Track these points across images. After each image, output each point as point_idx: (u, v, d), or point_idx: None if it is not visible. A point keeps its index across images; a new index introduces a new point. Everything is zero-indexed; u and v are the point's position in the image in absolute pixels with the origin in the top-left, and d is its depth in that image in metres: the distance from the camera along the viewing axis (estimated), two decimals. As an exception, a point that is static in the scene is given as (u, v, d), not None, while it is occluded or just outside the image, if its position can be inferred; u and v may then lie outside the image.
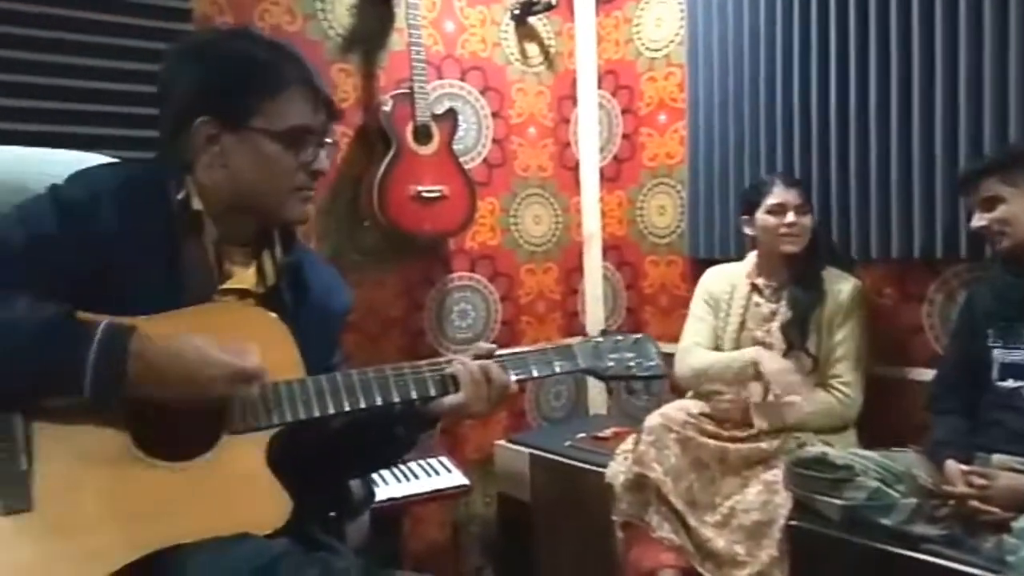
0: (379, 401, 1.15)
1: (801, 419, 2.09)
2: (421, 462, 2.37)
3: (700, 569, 1.93)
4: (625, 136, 3.02)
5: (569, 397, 3.16)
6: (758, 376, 2.12)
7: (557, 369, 1.25)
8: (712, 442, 2.06)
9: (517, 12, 2.90)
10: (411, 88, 2.44)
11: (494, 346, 1.26)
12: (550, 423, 3.07)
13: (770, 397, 2.10)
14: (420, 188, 2.47)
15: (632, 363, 1.30)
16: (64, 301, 1.03)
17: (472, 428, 2.82)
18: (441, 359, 1.23)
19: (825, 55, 2.31)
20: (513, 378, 1.23)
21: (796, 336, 2.15)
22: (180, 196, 1.12)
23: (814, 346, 2.14)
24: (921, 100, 2.11)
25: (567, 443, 2.63)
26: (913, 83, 2.13)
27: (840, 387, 2.11)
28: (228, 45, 1.17)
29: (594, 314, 3.16)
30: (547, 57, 3.04)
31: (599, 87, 3.09)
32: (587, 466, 2.44)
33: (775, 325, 2.20)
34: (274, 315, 1.15)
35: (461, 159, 2.62)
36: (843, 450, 1.89)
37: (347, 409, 1.13)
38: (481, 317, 2.90)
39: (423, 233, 2.54)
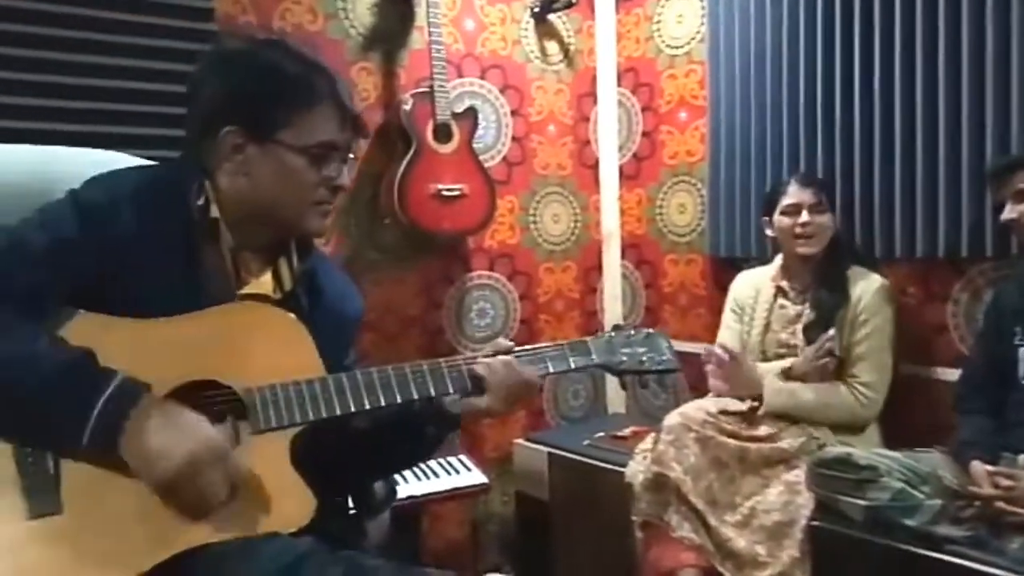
0: (399, 399, 1.15)
1: (817, 411, 2.07)
2: (440, 460, 2.38)
3: (720, 569, 1.92)
4: (645, 134, 3.01)
5: (587, 396, 3.16)
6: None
7: (572, 364, 1.26)
8: (732, 441, 2.04)
9: (537, 10, 2.90)
10: (431, 87, 2.45)
11: (511, 343, 1.26)
12: (568, 422, 3.06)
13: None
14: (440, 186, 2.47)
15: (644, 357, 1.31)
16: (87, 306, 1.04)
17: (491, 427, 2.82)
18: (459, 357, 1.23)
19: (849, 51, 2.28)
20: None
21: (817, 333, 2.13)
22: (200, 202, 1.13)
23: (837, 347, 2.12)
24: (947, 96, 2.09)
25: (585, 442, 2.63)
26: (939, 78, 2.10)
27: (859, 387, 2.08)
28: (262, 55, 1.17)
29: (613, 313, 3.15)
30: (567, 55, 3.03)
31: (619, 85, 3.08)
32: (606, 465, 2.44)
33: (800, 327, 2.18)
34: (292, 315, 1.16)
35: (481, 157, 2.62)
36: (867, 450, 1.87)
37: (367, 407, 1.13)
38: (500, 316, 2.90)
39: (442, 231, 2.55)
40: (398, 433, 1.28)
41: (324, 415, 1.11)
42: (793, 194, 2.18)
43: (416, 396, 1.17)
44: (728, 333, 2.34)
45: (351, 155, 1.21)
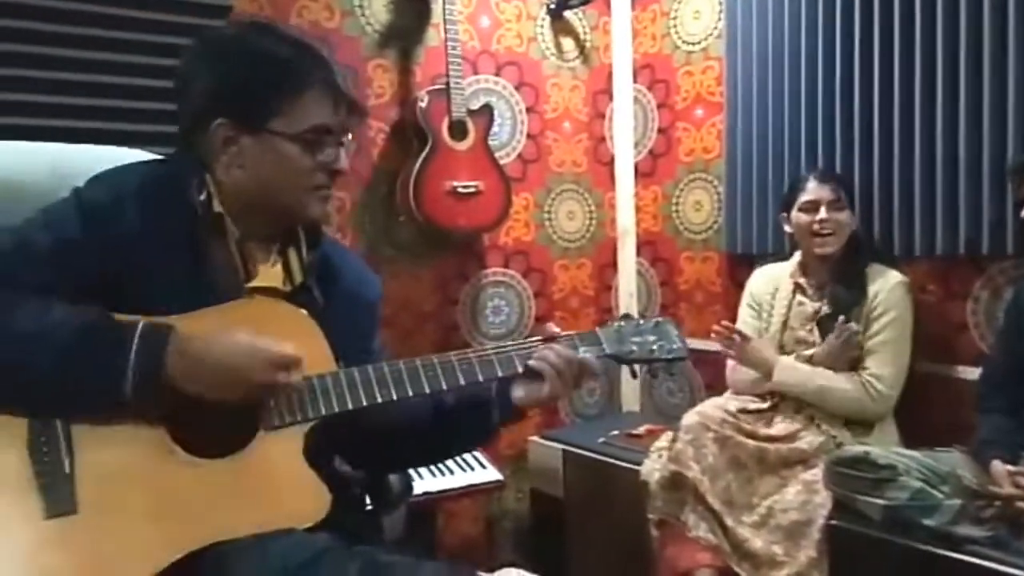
0: (410, 392, 1.15)
1: (825, 395, 2.06)
2: (456, 457, 2.38)
3: (737, 569, 1.91)
4: (661, 131, 2.99)
5: (602, 394, 3.15)
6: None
7: (583, 354, 1.24)
8: (751, 442, 2.03)
9: (553, 6, 2.89)
10: (447, 84, 2.45)
11: (558, 330, 1.26)
12: (583, 420, 3.06)
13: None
14: (455, 183, 2.47)
15: (655, 346, 1.29)
16: (92, 303, 1.04)
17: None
18: (470, 350, 1.22)
19: (868, 45, 2.26)
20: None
21: (833, 328, 2.11)
22: (202, 197, 1.12)
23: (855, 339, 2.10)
24: (968, 91, 2.06)
25: (600, 440, 2.62)
26: (960, 74, 2.07)
27: (871, 380, 2.06)
28: (246, 43, 1.15)
29: (628, 310, 3.14)
30: (582, 51, 3.02)
31: (635, 81, 3.07)
32: (620, 463, 2.43)
33: (816, 324, 2.17)
34: (302, 311, 1.16)
35: (496, 154, 2.62)
36: (885, 450, 1.85)
37: (380, 401, 1.13)
38: (515, 313, 2.90)
39: (458, 228, 2.55)
40: (463, 419, 1.28)
41: (336, 410, 1.11)
42: (811, 191, 2.16)
43: (428, 391, 1.16)
44: (745, 329, 2.32)
45: (348, 136, 1.19)
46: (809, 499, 1.89)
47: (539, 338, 1.24)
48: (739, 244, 2.68)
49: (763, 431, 2.08)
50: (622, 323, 1.30)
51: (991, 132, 2.03)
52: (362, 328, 1.29)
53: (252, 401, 1.06)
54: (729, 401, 2.19)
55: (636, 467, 2.20)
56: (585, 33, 3.02)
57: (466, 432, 1.31)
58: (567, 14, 2.95)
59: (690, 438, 2.01)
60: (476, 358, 1.19)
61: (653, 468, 2.11)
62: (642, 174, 3.09)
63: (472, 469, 2.35)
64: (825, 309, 2.16)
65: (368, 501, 1.36)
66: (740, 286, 2.45)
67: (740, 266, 2.68)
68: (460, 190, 2.48)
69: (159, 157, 1.26)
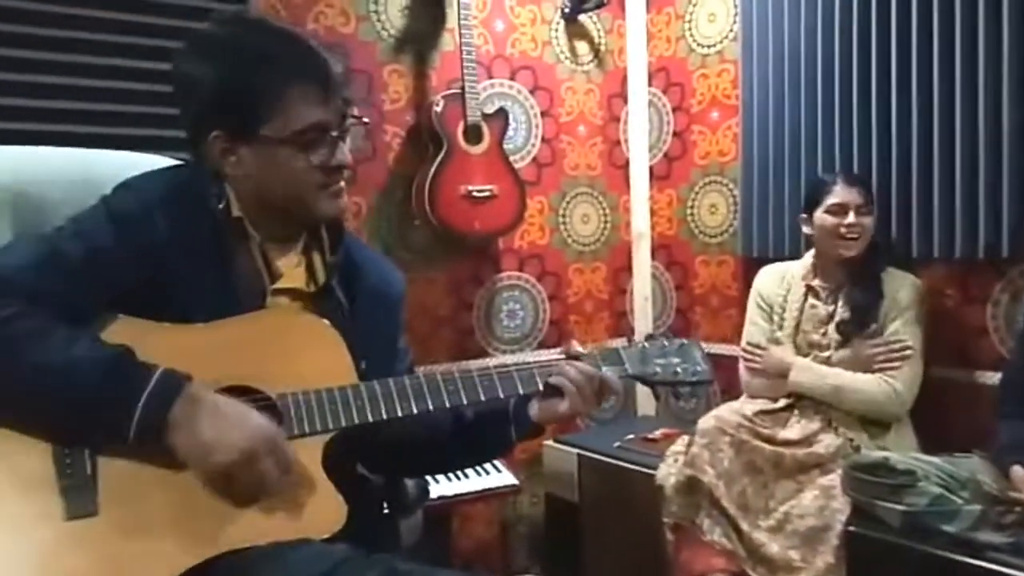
0: (431, 406, 1.15)
1: (841, 394, 2.05)
2: (472, 467, 2.37)
3: (752, 574, 1.90)
4: (676, 134, 2.99)
5: (617, 398, 3.14)
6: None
7: (605, 373, 1.23)
8: (767, 446, 2.02)
9: (567, 10, 2.89)
10: (462, 88, 2.46)
11: (581, 348, 1.26)
12: (598, 424, 3.05)
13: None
14: (470, 187, 2.48)
15: (679, 368, 1.28)
16: (124, 312, 1.05)
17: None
18: (489, 367, 1.22)
19: (885, 46, 2.25)
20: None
21: (853, 332, 2.10)
22: (220, 205, 1.13)
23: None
24: (987, 93, 2.05)
25: (615, 444, 2.61)
26: (979, 74, 2.06)
27: (888, 379, 2.04)
28: (232, 48, 1.12)
29: (642, 314, 3.14)
30: (597, 55, 3.02)
31: (650, 84, 3.06)
32: (636, 467, 2.42)
33: (832, 328, 2.16)
34: (325, 321, 1.15)
35: (511, 158, 2.63)
36: (904, 455, 1.84)
37: (400, 414, 1.13)
38: (529, 316, 2.90)
39: (473, 232, 2.55)
40: (482, 433, 1.28)
41: (356, 422, 1.10)
42: (839, 193, 2.14)
43: (448, 405, 1.16)
44: (755, 330, 2.31)
45: (347, 127, 1.15)
46: (827, 504, 1.88)
47: (560, 356, 1.24)
48: (755, 248, 2.66)
49: (780, 435, 2.07)
50: (646, 344, 1.29)
51: (1011, 134, 2.01)
52: (386, 327, 1.29)
53: (228, 476, 1.01)
54: (745, 405, 2.18)
55: (652, 471, 2.19)
56: (600, 37, 3.02)
57: (484, 445, 1.32)
58: (582, 18, 2.95)
59: (706, 442, 2.00)
60: (497, 374, 1.19)
61: (668, 472, 2.10)
62: (657, 177, 3.08)
63: (487, 473, 2.35)
64: (843, 313, 2.15)
65: (385, 506, 1.37)
66: (757, 290, 2.44)
67: (756, 270, 2.66)
68: (475, 194, 2.49)
69: (179, 163, 1.27)
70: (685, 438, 2.14)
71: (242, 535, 1.02)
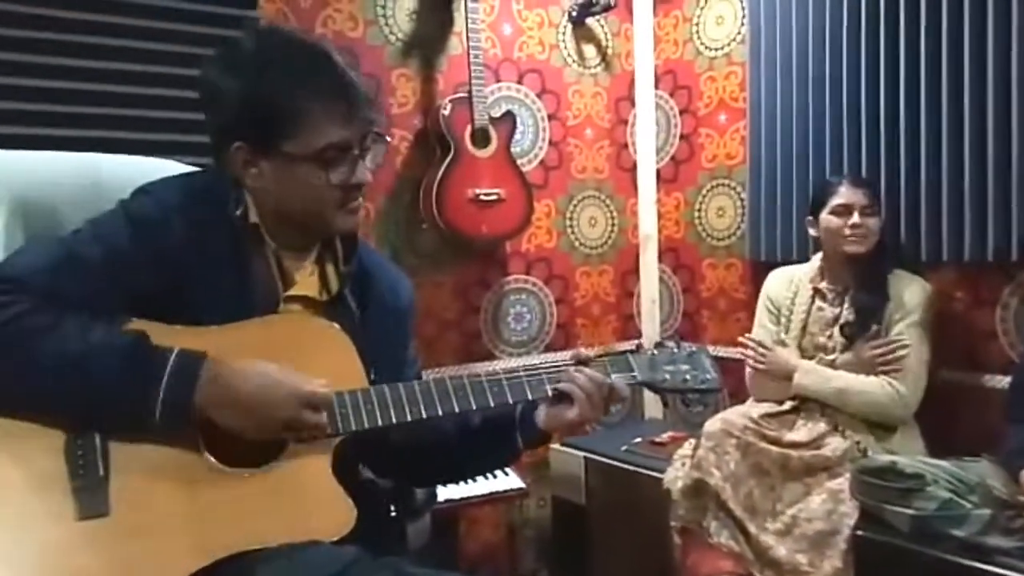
0: (440, 412, 1.15)
1: (845, 397, 2.04)
2: (480, 476, 2.37)
3: (760, 577, 1.90)
4: (683, 137, 2.99)
5: (624, 403, 3.13)
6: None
7: (614, 380, 1.24)
8: (773, 448, 2.01)
9: (575, 14, 2.89)
10: (469, 91, 2.46)
11: (589, 353, 1.26)
12: (605, 427, 3.04)
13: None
14: (478, 191, 2.48)
15: (688, 376, 1.28)
16: (139, 315, 1.06)
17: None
18: (520, 369, 1.22)
19: (894, 49, 2.24)
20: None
21: (856, 334, 2.10)
22: (239, 211, 1.14)
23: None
24: (996, 94, 2.04)
25: (623, 447, 2.61)
26: (988, 76, 2.05)
27: (892, 381, 2.03)
28: (259, 60, 1.12)
29: (650, 317, 3.13)
30: (604, 58, 3.02)
31: (657, 87, 3.07)
32: (643, 471, 2.42)
33: (837, 330, 2.15)
34: (336, 326, 1.17)
35: (518, 161, 2.63)
36: (912, 459, 1.83)
37: (410, 419, 1.14)
38: (536, 320, 2.90)
39: (480, 236, 2.55)
40: (488, 440, 1.29)
41: (366, 427, 1.11)
42: (844, 194, 2.14)
43: (457, 411, 1.16)
44: (763, 332, 2.31)
45: (369, 145, 1.16)
46: (835, 508, 1.87)
47: (569, 361, 1.23)
48: (763, 251, 2.66)
49: (787, 437, 2.06)
50: (655, 351, 1.30)
51: (1020, 135, 2.01)
52: (396, 336, 1.30)
53: (276, 435, 1.07)
54: (751, 408, 2.17)
55: (659, 475, 2.19)
56: (607, 40, 3.03)
57: (490, 453, 1.32)
58: (589, 21, 2.95)
59: (712, 445, 2.00)
60: (507, 380, 1.19)
61: (676, 475, 2.10)
62: (664, 180, 3.08)
63: (494, 476, 2.35)
64: (848, 315, 2.15)
65: (392, 509, 1.37)
66: (764, 293, 2.43)
67: (763, 273, 2.65)
68: (482, 197, 2.49)
69: (197, 169, 1.28)
70: (692, 441, 2.15)
71: (252, 537, 1.03)
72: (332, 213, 1.15)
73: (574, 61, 2.95)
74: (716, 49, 2.85)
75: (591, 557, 2.62)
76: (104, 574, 0.98)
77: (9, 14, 1.91)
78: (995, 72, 2.04)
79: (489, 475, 2.35)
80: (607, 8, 2.87)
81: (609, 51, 3.03)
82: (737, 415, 2.10)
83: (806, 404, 2.14)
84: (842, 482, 1.91)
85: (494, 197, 2.51)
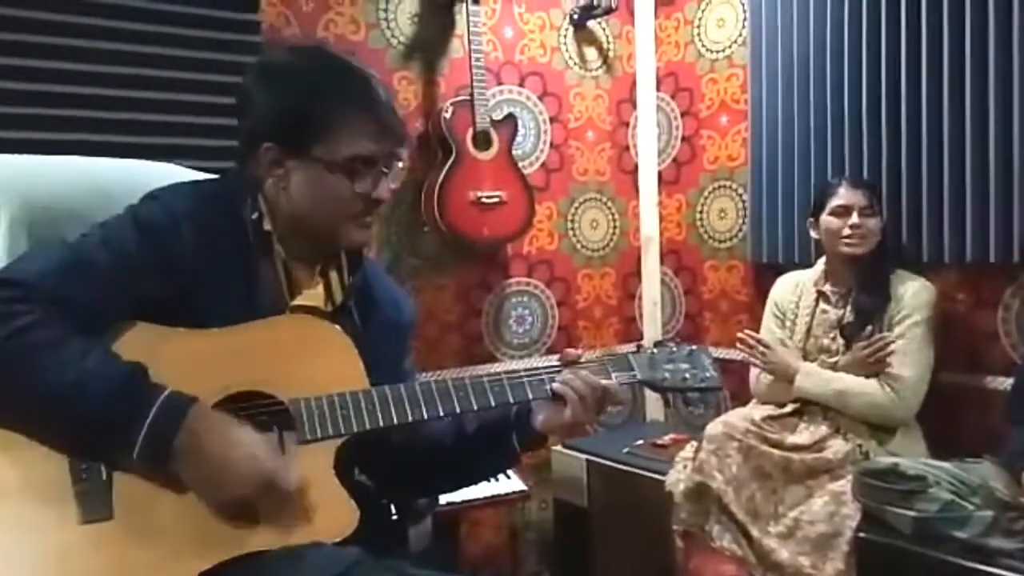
0: (441, 412, 1.16)
1: (846, 399, 2.05)
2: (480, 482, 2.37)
3: (762, 580, 1.90)
4: (685, 139, 2.99)
5: (626, 403, 3.13)
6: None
7: (614, 379, 1.25)
8: (775, 451, 2.01)
9: (576, 16, 2.90)
10: (471, 94, 2.46)
11: (586, 354, 1.27)
12: (607, 429, 3.04)
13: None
14: (479, 193, 2.49)
15: (687, 374, 1.29)
16: (145, 319, 1.07)
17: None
18: (501, 371, 1.23)
19: (895, 49, 2.24)
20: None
21: (856, 335, 2.10)
22: (254, 216, 1.15)
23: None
24: (997, 95, 2.04)
25: (625, 450, 2.61)
26: (989, 77, 2.05)
27: (892, 382, 2.03)
28: (300, 69, 1.18)
29: (652, 319, 3.13)
30: (606, 61, 3.03)
31: (658, 89, 3.07)
32: (645, 473, 2.42)
33: (839, 331, 2.15)
34: (338, 328, 1.17)
35: (520, 164, 2.63)
36: (914, 460, 1.83)
37: (411, 420, 1.14)
38: (538, 322, 2.90)
39: (482, 238, 2.56)
40: (484, 445, 1.29)
41: (368, 427, 1.12)
42: (843, 196, 2.14)
43: (459, 411, 1.17)
44: (768, 337, 2.31)
45: (397, 164, 1.20)
46: (837, 510, 1.87)
47: (567, 361, 1.24)
48: (764, 253, 2.66)
49: (789, 440, 2.06)
50: (655, 350, 1.31)
51: (1021, 137, 2.00)
52: (395, 350, 1.31)
53: (224, 506, 1.03)
54: (754, 410, 2.17)
55: (661, 477, 2.19)
56: (608, 42, 3.03)
57: (487, 456, 1.32)
58: (590, 24, 2.95)
59: (714, 448, 2.00)
60: (507, 380, 1.20)
61: (677, 478, 2.10)
62: (666, 182, 3.08)
63: (496, 479, 2.35)
64: (848, 316, 2.15)
65: (394, 513, 1.37)
66: (765, 295, 2.43)
67: (765, 275, 2.67)
68: (484, 200, 2.50)
69: (210, 176, 1.29)
70: (694, 444, 2.14)
71: (255, 539, 1.03)
72: (345, 225, 1.17)
73: (575, 64, 2.95)
74: (717, 51, 2.86)
75: (593, 559, 2.62)
76: None
77: (14, 19, 1.91)
78: (996, 73, 2.04)
79: (491, 478, 2.34)
80: (608, 11, 2.88)
81: (610, 53, 3.04)
82: (739, 418, 2.10)
83: (808, 407, 2.13)
84: (844, 484, 1.91)
85: (496, 200, 2.52)
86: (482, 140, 2.50)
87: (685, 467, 2.10)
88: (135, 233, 1.09)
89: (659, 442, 2.63)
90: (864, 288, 2.14)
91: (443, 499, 2.14)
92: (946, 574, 1.69)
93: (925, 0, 2.16)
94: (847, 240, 2.12)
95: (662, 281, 3.13)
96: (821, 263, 2.27)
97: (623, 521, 2.51)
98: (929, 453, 2.03)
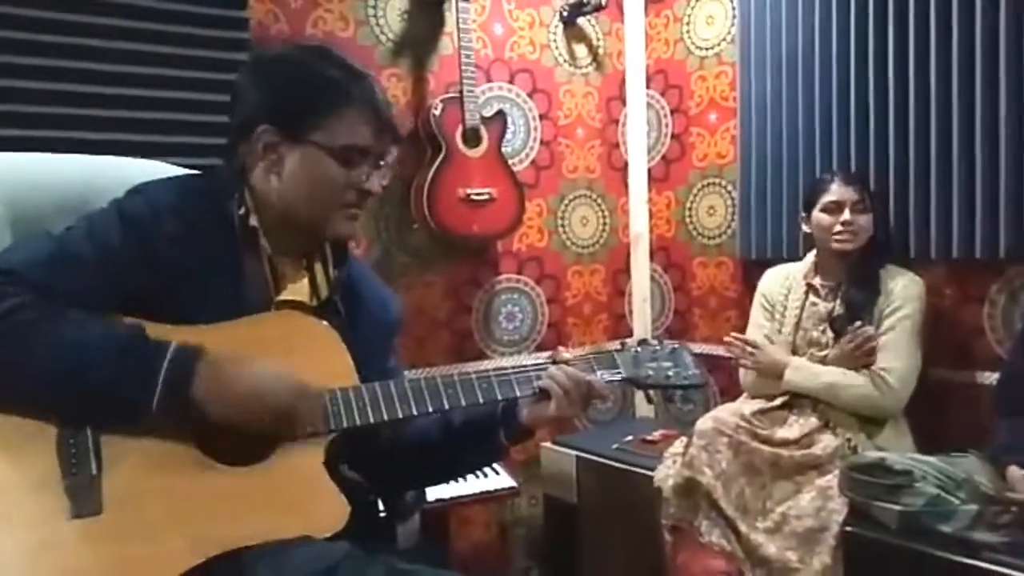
0: (430, 408, 1.17)
1: (835, 392, 2.06)
2: (467, 475, 2.37)
3: (750, 575, 1.90)
4: (674, 136, 3.00)
5: (615, 400, 3.14)
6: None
7: (599, 376, 1.26)
8: (765, 447, 2.02)
9: (566, 13, 2.90)
10: (460, 91, 2.46)
11: (568, 354, 1.28)
12: (596, 425, 3.05)
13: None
14: (469, 190, 2.49)
15: (670, 372, 1.31)
16: (130, 314, 1.07)
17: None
18: (510, 367, 1.24)
19: (883, 48, 2.26)
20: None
21: (845, 327, 2.11)
22: (240, 212, 1.15)
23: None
24: (984, 94, 2.06)
25: (614, 446, 2.62)
26: (976, 76, 2.07)
27: (881, 374, 2.05)
28: (300, 60, 1.20)
29: (642, 315, 3.14)
30: (595, 58, 3.03)
31: (648, 87, 3.08)
32: (635, 469, 2.43)
33: (829, 324, 2.17)
34: (326, 324, 1.18)
35: (509, 161, 2.64)
36: (901, 455, 1.84)
37: (401, 416, 1.15)
38: (528, 319, 2.91)
39: (471, 235, 2.56)
40: (471, 438, 1.30)
41: (359, 423, 1.12)
42: (836, 191, 2.15)
43: (447, 405, 1.18)
44: (758, 331, 2.32)
45: (386, 161, 1.21)
46: (824, 505, 1.88)
47: (557, 361, 1.25)
48: (753, 249, 2.67)
49: (778, 434, 2.07)
50: (639, 348, 1.33)
51: (1008, 134, 2.02)
52: (380, 348, 1.31)
53: (270, 427, 1.08)
54: (744, 405, 2.18)
55: (650, 473, 2.20)
56: (598, 40, 3.03)
57: (474, 450, 1.33)
58: (580, 21, 2.96)
59: (703, 443, 2.01)
60: (495, 376, 1.21)
61: (667, 474, 2.11)
62: (655, 179, 3.09)
63: (485, 476, 2.35)
64: (838, 310, 2.16)
65: (382, 509, 1.38)
66: (754, 291, 2.44)
67: (754, 272, 2.67)
68: (473, 197, 2.50)
69: (194, 172, 1.29)
70: (684, 439, 2.15)
71: (245, 533, 1.03)
72: (334, 214, 1.17)
73: (565, 61, 2.96)
74: (707, 49, 2.86)
75: (583, 555, 2.63)
76: (98, 573, 0.99)
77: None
78: (983, 71, 2.05)
79: (480, 474, 2.35)
80: (598, 8, 2.88)
81: (600, 51, 3.04)
82: (729, 413, 2.10)
83: (797, 400, 2.15)
84: (831, 479, 1.92)
85: (485, 197, 2.52)
86: (472, 137, 2.50)
87: (674, 463, 2.11)
88: (119, 226, 1.09)
89: (649, 438, 2.63)
90: (854, 282, 2.15)
91: (433, 496, 2.15)
92: (931, 568, 1.70)
93: (912, -1, 2.18)
94: (838, 237, 2.13)
95: (651, 278, 3.13)
96: (811, 256, 2.28)
97: (613, 517, 2.51)
98: (916, 447, 2.05)
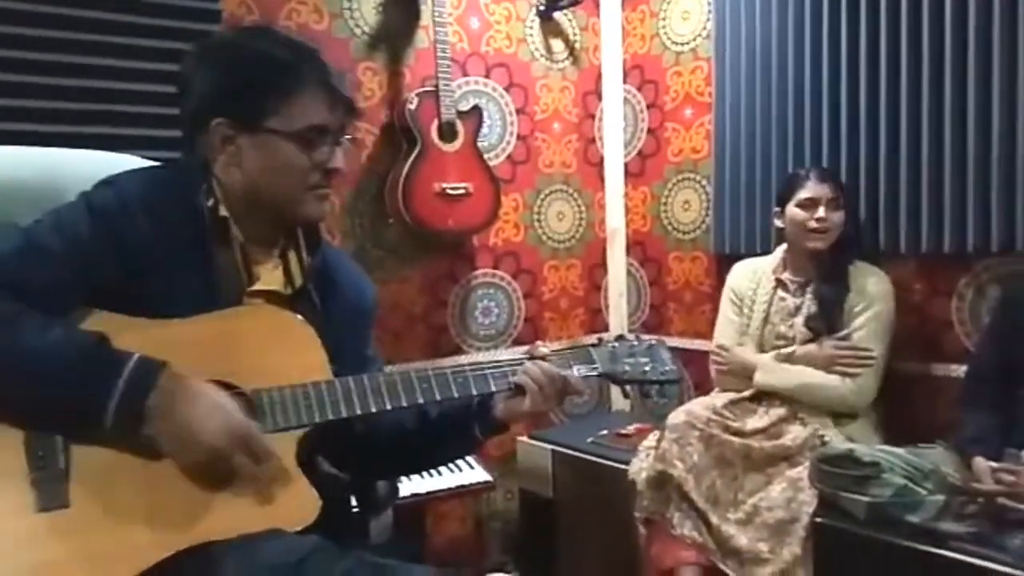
0: (404, 403, 1.17)
1: (805, 390, 2.09)
2: (441, 466, 2.38)
3: (722, 566, 1.92)
4: (650, 131, 3.01)
5: (591, 394, 3.16)
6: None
7: (576, 372, 1.27)
8: (736, 439, 2.04)
9: (542, 8, 2.90)
10: (436, 85, 2.46)
11: (545, 349, 1.28)
12: (572, 420, 3.07)
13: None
14: (445, 185, 2.48)
15: (647, 367, 1.32)
16: (102, 307, 1.06)
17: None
18: (466, 364, 1.24)
19: (855, 46, 2.28)
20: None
21: (822, 327, 2.13)
22: (209, 203, 1.14)
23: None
24: (953, 92, 2.08)
25: (589, 439, 2.63)
26: (945, 74, 2.09)
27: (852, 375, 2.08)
28: (245, 45, 1.18)
29: (618, 310, 3.16)
30: (572, 52, 3.04)
31: (624, 82, 3.08)
32: (610, 463, 2.44)
33: (799, 320, 2.19)
34: (300, 318, 1.17)
35: (485, 156, 2.63)
36: (869, 447, 1.87)
37: (374, 410, 1.15)
38: (504, 314, 2.91)
39: (447, 230, 2.55)
40: (446, 431, 1.31)
41: (331, 417, 1.12)
42: (811, 188, 2.17)
43: (421, 400, 1.18)
44: (728, 325, 2.34)
45: (346, 137, 1.20)
46: (794, 496, 1.90)
47: (532, 353, 1.26)
48: (727, 244, 2.69)
49: (749, 424, 2.10)
50: (616, 344, 1.33)
51: (976, 131, 2.05)
52: (357, 335, 1.31)
53: (201, 464, 1.03)
54: (716, 399, 2.20)
55: (625, 467, 2.21)
56: (575, 34, 3.04)
57: (449, 442, 1.34)
58: (556, 15, 2.96)
59: (675, 437, 2.02)
60: (471, 371, 1.21)
61: (640, 467, 2.12)
62: (631, 174, 3.10)
63: (460, 470, 2.36)
64: (809, 304, 2.18)
65: (354, 504, 1.37)
66: (728, 286, 2.46)
67: (728, 266, 2.68)
68: (449, 191, 2.49)
69: (161, 164, 1.28)
70: (657, 433, 2.17)
71: (215, 527, 1.03)
72: (303, 196, 1.16)
73: (542, 55, 2.96)
74: (682, 44, 2.88)
75: (559, 549, 2.64)
76: (65, 566, 0.98)
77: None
78: (953, 67, 2.08)
79: (455, 468, 2.35)
80: (574, 2, 2.89)
81: (577, 45, 3.05)
82: (701, 407, 2.12)
83: (767, 392, 2.17)
84: (802, 471, 1.94)
85: (461, 191, 2.52)
86: (447, 131, 2.49)
87: (648, 456, 2.12)
88: (88, 218, 1.08)
89: (623, 432, 2.65)
90: (824, 279, 2.17)
91: (408, 490, 2.15)
92: (899, 558, 1.72)
93: (883, -4, 2.20)
94: (812, 235, 2.15)
95: (628, 272, 3.15)
96: (780, 251, 2.30)
97: (589, 511, 2.53)
98: (884, 439, 2.08)
